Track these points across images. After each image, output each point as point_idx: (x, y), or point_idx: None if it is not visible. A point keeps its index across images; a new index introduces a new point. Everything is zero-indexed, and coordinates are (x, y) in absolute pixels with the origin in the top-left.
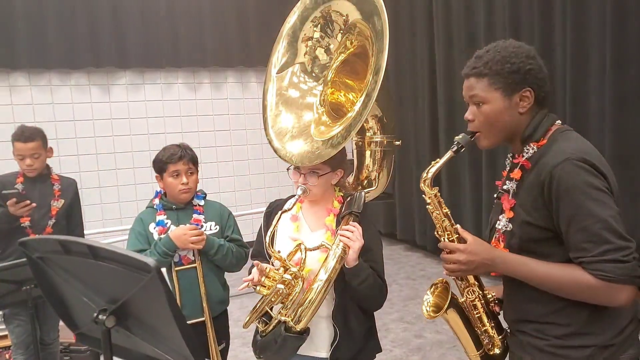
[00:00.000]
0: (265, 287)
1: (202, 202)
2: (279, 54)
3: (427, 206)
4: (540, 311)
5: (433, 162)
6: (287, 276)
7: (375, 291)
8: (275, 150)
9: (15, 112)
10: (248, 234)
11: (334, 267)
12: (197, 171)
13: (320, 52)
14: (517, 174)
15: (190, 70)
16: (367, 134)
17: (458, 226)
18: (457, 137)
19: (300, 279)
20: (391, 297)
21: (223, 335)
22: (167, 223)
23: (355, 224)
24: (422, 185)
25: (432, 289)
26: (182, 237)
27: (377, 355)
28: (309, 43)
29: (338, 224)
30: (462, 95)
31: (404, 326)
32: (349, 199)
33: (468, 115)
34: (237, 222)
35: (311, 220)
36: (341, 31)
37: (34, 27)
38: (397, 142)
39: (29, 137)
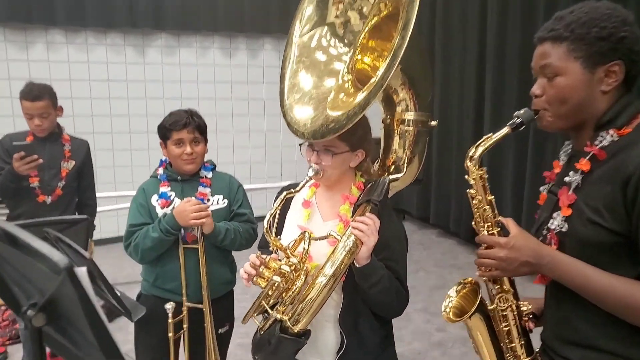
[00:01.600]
0: (263, 278)
1: (209, 174)
2: (304, 14)
3: (469, 190)
4: (596, 335)
5: (485, 137)
6: (286, 267)
7: (390, 297)
8: (287, 124)
9: (52, 69)
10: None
11: (342, 260)
12: (206, 140)
13: (353, 15)
14: (585, 164)
15: (227, 35)
16: (397, 109)
17: (501, 217)
18: (518, 112)
19: (302, 272)
20: (416, 285)
21: (227, 318)
22: (170, 196)
23: (372, 215)
24: (468, 163)
25: (458, 287)
26: (182, 214)
27: (390, 330)
28: (340, 6)
29: (355, 213)
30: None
31: (426, 317)
32: (369, 185)
33: (536, 89)
34: (266, 196)
35: (325, 208)
36: None
37: None
38: (433, 123)
39: (37, 95)
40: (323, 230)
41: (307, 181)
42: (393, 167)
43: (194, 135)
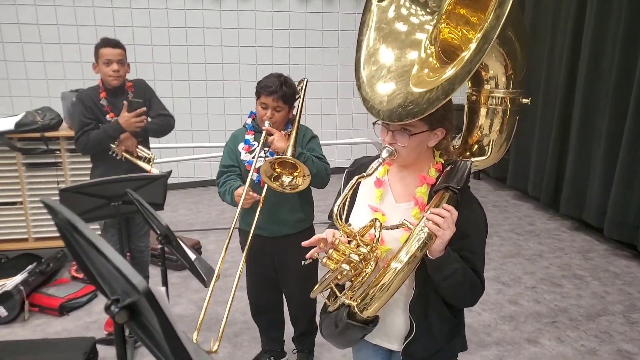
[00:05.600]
0: (332, 260)
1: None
2: None
3: None
4: None
5: None
6: (355, 257)
7: (464, 290)
8: (362, 100)
9: (134, 16)
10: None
11: (414, 253)
12: (292, 107)
13: None
14: None
15: None
16: (486, 86)
17: None
18: None
19: (372, 260)
20: (489, 252)
21: (308, 252)
22: (254, 144)
23: (450, 207)
24: None
25: None
26: (236, 195)
27: (461, 318)
28: None
29: (431, 198)
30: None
31: (498, 287)
32: (449, 168)
33: None
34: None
35: (398, 188)
36: None
37: None
38: (525, 100)
39: (117, 43)
40: (395, 212)
41: (380, 163)
42: (476, 146)
43: (277, 103)
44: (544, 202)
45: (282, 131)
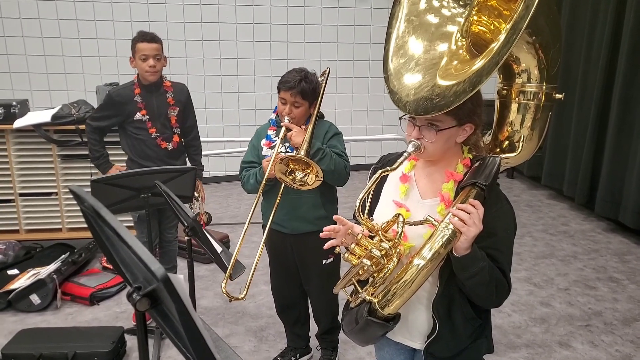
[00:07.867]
0: (354, 255)
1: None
2: None
3: None
4: None
5: None
6: (377, 252)
7: (489, 290)
8: (389, 92)
9: (168, 11)
10: None
11: (437, 250)
12: (312, 102)
13: None
14: None
15: None
16: (518, 80)
17: None
18: None
19: (395, 256)
20: (521, 252)
21: (330, 250)
22: (275, 140)
23: (476, 202)
24: None
25: None
26: (264, 164)
27: (487, 319)
28: None
29: (458, 194)
30: None
31: (529, 289)
32: (477, 164)
33: None
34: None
35: (424, 184)
36: None
37: None
38: (558, 96)
39: (153, 37)
40: (421, 208)
41: (405, 158)
42: (507, 142)
43: (294, 99)
44: (579, 202)
45: (302, 126)
